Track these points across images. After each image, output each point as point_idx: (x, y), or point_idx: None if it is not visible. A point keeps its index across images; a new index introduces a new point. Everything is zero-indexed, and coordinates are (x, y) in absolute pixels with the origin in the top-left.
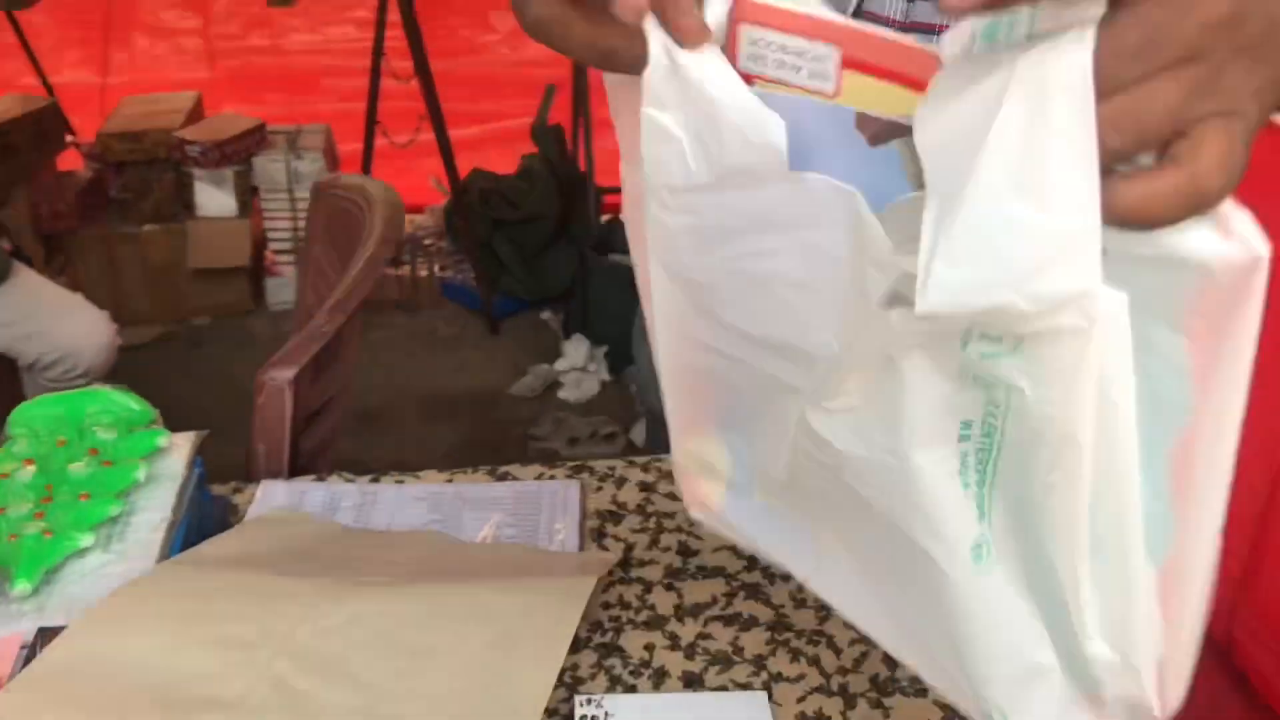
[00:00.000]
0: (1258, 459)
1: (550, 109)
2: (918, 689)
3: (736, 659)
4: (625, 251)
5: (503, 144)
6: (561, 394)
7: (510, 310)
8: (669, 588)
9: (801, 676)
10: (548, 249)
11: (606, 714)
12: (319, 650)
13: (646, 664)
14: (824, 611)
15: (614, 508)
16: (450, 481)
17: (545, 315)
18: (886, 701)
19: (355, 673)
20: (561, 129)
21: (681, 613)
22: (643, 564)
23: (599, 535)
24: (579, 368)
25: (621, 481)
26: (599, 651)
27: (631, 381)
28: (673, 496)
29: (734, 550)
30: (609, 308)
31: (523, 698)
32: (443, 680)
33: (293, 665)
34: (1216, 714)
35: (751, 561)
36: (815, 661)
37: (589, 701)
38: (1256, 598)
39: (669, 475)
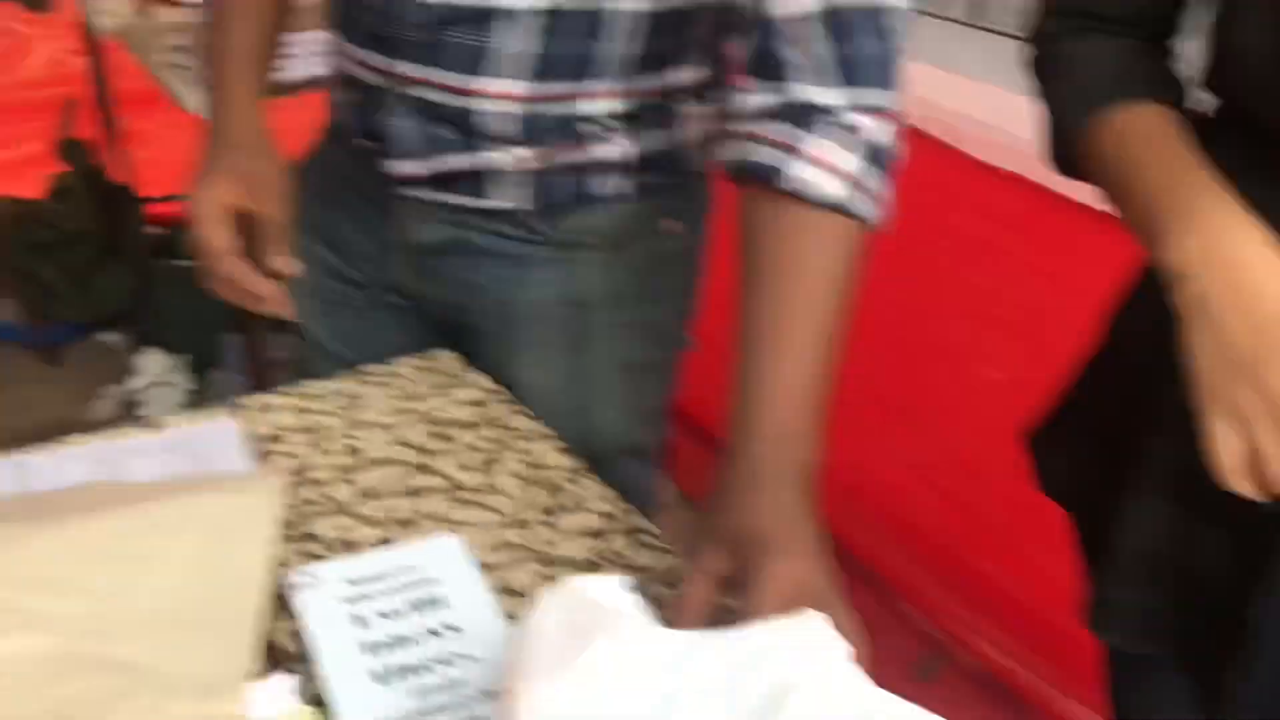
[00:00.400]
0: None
1: (74, 124)
2: (579, 506)
3: (422, 521)
4: (190, 256)
5: (18, 170)
6: (144, 412)
7: (66, 338)
8: (346, 481)
9: (481, 521)
10: (99, 267)
11: (317, 579)
12: (38, 574)
13: (341, 541)
14: (487, 470)
15: (275, 432)
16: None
17: (107, 336)
18: (554, 520)
19: (80, 585)
20: (87, 143)
21: (363, 497)
22: (316, 468)
23: (266, 455)
24: (160, 382)
25: (275, 409)
26: (294, 541)
27: (217, 385)
28: (330, 414)
29: (402, 444)
30: (183, 314)
31: (245, 577)
32: (168, 576)
33: (14, 591)
34: None
35: (419, 449)
36: (489, 507)
37: (300, 573)
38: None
39: (320, 397)
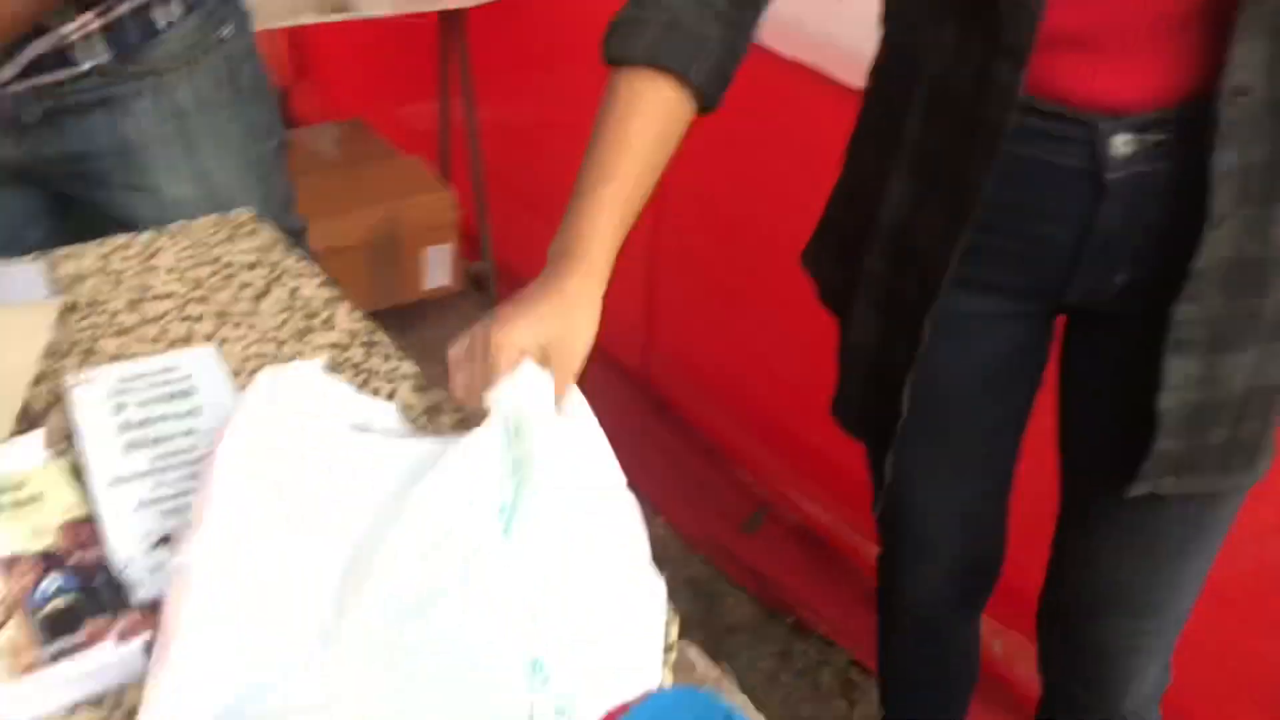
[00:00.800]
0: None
1: None
2: (329, 326)
3: (193, 340)
4: None
5: None
6: None
7: None
8: (132, 311)
9: (242, 338)
10: None
11: (91, 379)
12: None
13: (121, 355)
14: (256, 301)
15: (77, 274)
16: None
17: None
18: (306, 338)
19: None
20: None
21: (145, 323)
22: (107, 301)
23: (65, 291)
24: None
25: (81, 257)
26: (80, 356)
27: None
28: (129, 259)
29: (187, 281)
30: None
31: (14, 371)
32: None
33: None
34: (644, 435)
35: (199, 284)
36: (252, 328)
37: (78, 376)
38: (660, 336)
39: (124, 247)
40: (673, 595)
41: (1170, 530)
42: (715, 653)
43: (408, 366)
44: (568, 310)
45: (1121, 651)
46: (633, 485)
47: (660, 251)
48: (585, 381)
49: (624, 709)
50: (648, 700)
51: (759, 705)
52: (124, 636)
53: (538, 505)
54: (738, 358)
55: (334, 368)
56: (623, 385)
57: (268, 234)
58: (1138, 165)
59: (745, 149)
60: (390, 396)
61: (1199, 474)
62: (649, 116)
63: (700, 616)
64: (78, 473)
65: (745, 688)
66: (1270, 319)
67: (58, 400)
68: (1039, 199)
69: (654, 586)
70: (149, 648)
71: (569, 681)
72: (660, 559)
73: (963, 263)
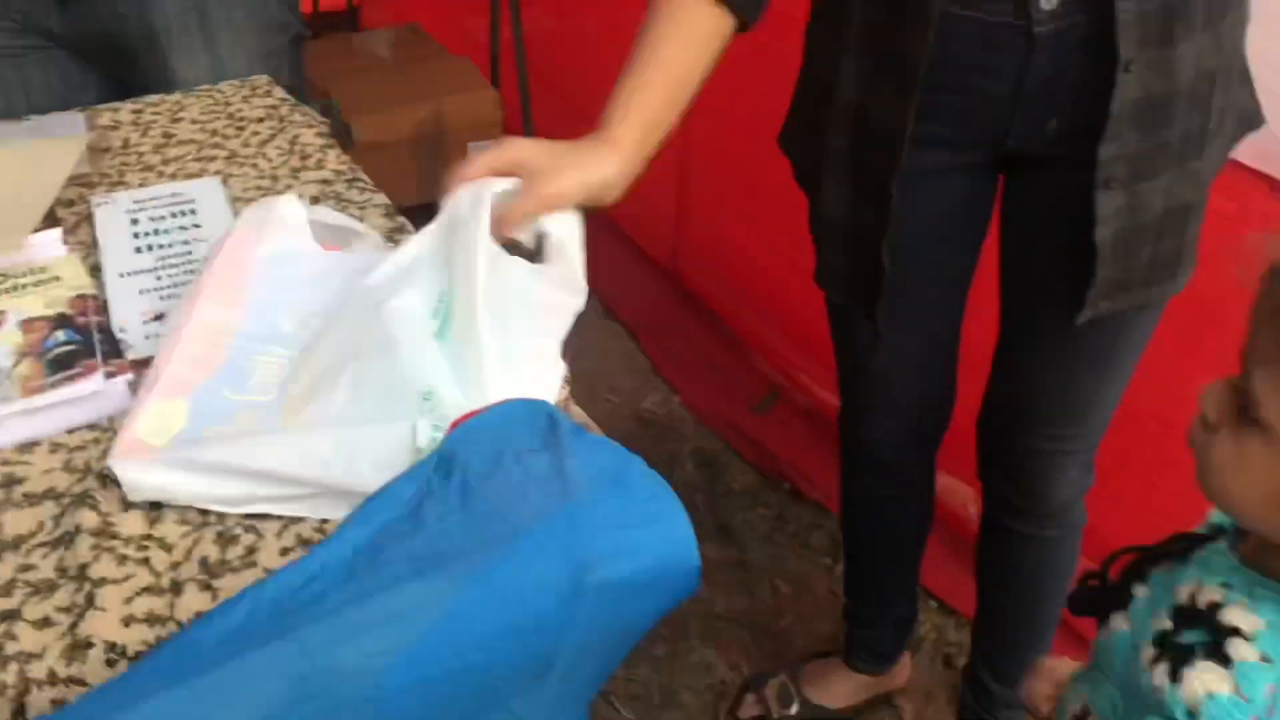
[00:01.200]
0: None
1: None
2: (320, 167)
3: (204, 174)
4: None
5: None
6: None
7: None
8: (155, 152)
9: (246, 174)
10: None
11: (112, 200)
12: None
13: (141, 185)
14: (261, 146)
15: (112, 123)
16: None
17: None
18: (299, 175)
19: None
20: None
21: (165, 162)
22: (135, 144)
23: (100, 135)
24: None
25: (119, 111)
26: (106, 185)
27: None
28: (158, 113)
29: (204, 130)
30: None
31: (45, 183)
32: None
33: None
34: (672, 324)
35: (214, 134)
36: (254, 166)
37: (101, 196)
38: (690, 232)
39: (155, 105)
40: (680, 464)
41: (1091, 346)
42: (715, 513)
43: (380, 198)
44: (569, 155)
45: (1045, 454)
46: (656, 369)
47: (690, 153)
48: (619, 274)
49: (474, 414)
50: (492, 407)
51: (751, 557)
52: (111, 375)
53: (465, 296)
54: (759, 253)
55: (320, 198)
56: (653, 278)
57: (279, 95)
58: (1061, 19)
59: (770, 53)
60: (362, 220)
61: (1129, 291)
62: (683, 36)
63: (704, 483)
64: (96, 272)
65: (741, 543)
66: (1177, 146)
67: (85, 219)
68: (977, 55)
69: (554, 353)
70: (133, 387)
71: (450, 407)
72: (673, 434)
73: (914, 121)
